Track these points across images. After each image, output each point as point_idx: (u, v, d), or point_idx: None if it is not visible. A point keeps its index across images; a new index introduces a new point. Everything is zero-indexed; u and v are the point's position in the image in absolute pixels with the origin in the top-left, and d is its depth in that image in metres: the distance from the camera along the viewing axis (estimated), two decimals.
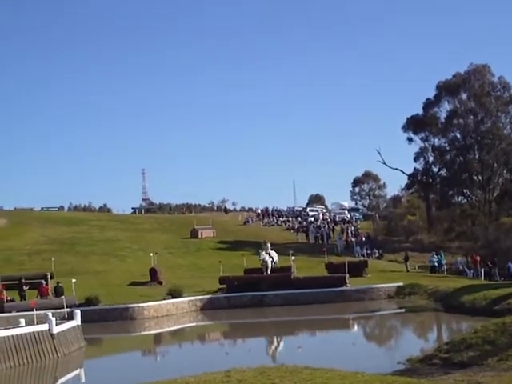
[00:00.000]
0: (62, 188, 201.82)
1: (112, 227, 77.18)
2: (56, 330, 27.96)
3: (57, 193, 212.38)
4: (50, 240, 67.47)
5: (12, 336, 26.52)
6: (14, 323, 30.33)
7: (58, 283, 42.02)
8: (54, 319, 28.38)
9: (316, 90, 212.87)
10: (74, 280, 39.56)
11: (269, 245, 48.75)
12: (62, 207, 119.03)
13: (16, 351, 26.34)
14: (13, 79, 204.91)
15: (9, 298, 40.56)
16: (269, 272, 46.59)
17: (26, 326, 28.32)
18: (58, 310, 35.50)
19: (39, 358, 26.93)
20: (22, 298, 41.55)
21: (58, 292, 40.75)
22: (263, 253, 47.14)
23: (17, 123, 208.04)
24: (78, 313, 31.22)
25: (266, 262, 46.72)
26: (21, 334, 26.85)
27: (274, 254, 48.58)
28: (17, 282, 43.23)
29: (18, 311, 36.45)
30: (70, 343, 29.06)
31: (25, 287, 42.09)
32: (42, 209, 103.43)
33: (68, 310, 35.43)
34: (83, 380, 25.14)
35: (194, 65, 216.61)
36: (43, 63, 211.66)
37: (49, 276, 44.87)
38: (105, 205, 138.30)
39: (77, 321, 30.73)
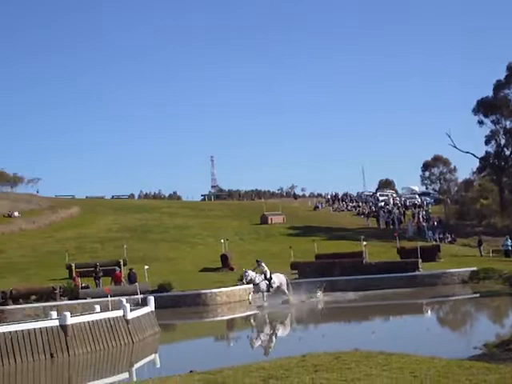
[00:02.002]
0: (131, 177, 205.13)
1: (182, 214, 77.95)
2: (130, 315, 28.28)
3: (127, 181, 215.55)
4: (121, 227, 68.60)
5: (88, 322, 26.96)
6: (89, 309, 30.85)
7: (130, 270, 42.61)
8: (128, 305, 28.71)
9: (384, 74, 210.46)
10: (146, 267, 40.05)
11: (264, 264, 39.14)
12: (132, 195, 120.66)
13: (92, 337, 26.77)
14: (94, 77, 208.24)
15: (83, 285, 41.34)
16: (263, 297, 38.33)
17: (101, 312, 28.76)
18: (132, 297, 36.01)
19: (114, 344, 27.29)
20: (97, 284, 42.31)
21: (132, 278, 41.34)
22: (250, 272, 38.26)
23: (88, 116, 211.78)
24: (151, 299, 31.53)
25: (257, 284, 38.10)
26: (96, 320, 27.26)
27: (275, 276, 38.88)
28: (91, 269, 44.06)
29: (92, 297, 37.10)
30: (144, 329, 29.36)
31: (99, 274, 42.84)
32: (113, 197, 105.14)
33: (141, 296, 35.90)
34: (158, 365, 25.36)
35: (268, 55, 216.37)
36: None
37: (122, 263, 45.61)
38: (174, 192, 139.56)
39: (150, 307, 31.01)
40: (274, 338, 30.05)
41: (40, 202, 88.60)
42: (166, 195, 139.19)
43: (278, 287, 38.16)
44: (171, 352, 28.37)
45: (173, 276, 43.54)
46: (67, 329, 25.85)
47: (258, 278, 37.75)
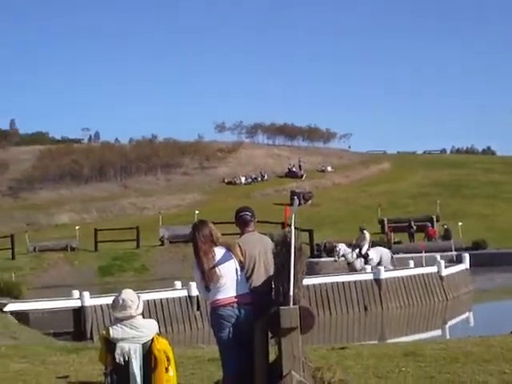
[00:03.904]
0: (442, 131, 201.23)
1: (497, 170, 74.73)
2: (445, 272, 27.65)
3: (437, 136, 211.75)
4: (432, 183, 67.60)
5: (401, 277, 26.83)
6: (402, 264, 30.65)
7: (444, 226, 41.75)
8: (442, 262, 28.14)
9: None
10: (460, 223, 38.89)
11: (367, 235, 30.00)
12: (444, 150, 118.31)
13: (405, 292, 26.62)
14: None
15: (396, 240, 41.33)
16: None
17: (414, 267, 28.46)
18: (445, 253, 35.22)
19: (428, 300, 26.90)
20: (410, 240, 42.08)
21: (446, 235, 40.50)
22: (342, 246, 29.58)
23: None
24: (466, 256, 30.55)
25: (350, 262, 29.01)
26: (410, 276, 27.04)
27: (374, 251, 29.59)
28: (403, 224, 43.87)
29: (405, 253, 36.88)
30: (458, 286, 28.59)
31: (412, 230, 42.57)
32: (425, 152, 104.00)
33: (455, 253, 34.99)
34: (472, 324, 24.50)
35: None
36: None
37: (434, 219, 44.79)
38: (488, 147, 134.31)
39: (465, 264, 30.09)
40: None
41: (351, 157, 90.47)
42: (479, 150, 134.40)
43: (379, 263, 28.79)
44: (485, 312, 27.27)
45: (487, 233, 41.87)
46: (381, 283, 25.95)
47: (352, 256, 29.19)
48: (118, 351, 5.76)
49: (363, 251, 29.00)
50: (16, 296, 26.88)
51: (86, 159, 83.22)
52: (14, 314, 22.15)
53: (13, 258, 41.87)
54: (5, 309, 22.37)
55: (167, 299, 24.12)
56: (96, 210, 71.30)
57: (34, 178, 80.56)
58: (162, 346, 5.84)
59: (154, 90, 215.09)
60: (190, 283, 24.55)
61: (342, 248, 29.31)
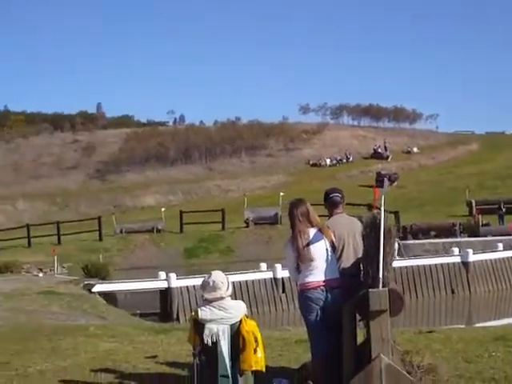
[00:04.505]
0: None
1: None
2: None
3: None
4: None
5: (490, 260, 26.31)
6: (491, 247, 29.96)
7: None
8: None
9: None
10: None
11: None
12: None
13: (494, 275, 26.09)
14: None
15: (484, 222, 40.36)
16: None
17: (503, 250, 27.81)
18: None
19: None
20: (500, 222, 41.02)
21: None
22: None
23: None
24: None
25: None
26: (499, 259, 26.48)
27: None
28: (492, 206, 42.79)
29: (493, 235, 36.01)
30: None
31: (502, 211, 41.49)
32: None
33: None
34: None
35: None
36: None
37: None
38: None
39: None
40: None
41: (438, 138, 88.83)
42: None
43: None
44: None
45: None
46: (469, 266, 25.51)
47: None
48: (206, 332, 5.78)
49: None
50: (103, 277, 27.50)
51: (171, 142, 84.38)
52: (102, 294, 22.68)
53: (100, 239, 42.80)
54: (93, 289, 22.93)
55: (253, 281, 24.31)
56: (181, 192, 72.37)
57: (121, 160, 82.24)
58: (251, 327, 5.84)
59: (238, 72, 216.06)
60: (276, 265, 24.65)
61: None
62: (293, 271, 6.45)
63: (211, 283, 5.82)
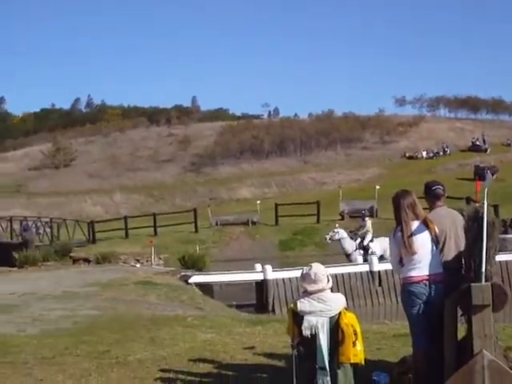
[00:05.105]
0: None
1: None
2: None
3: None
4: None
5: None
6: None
7: None
8: None
9: None
10: None
11: (368, 222, 26.47)
12: None
13: None
14: None
15: None
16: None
17: None
18: None
19: None
20: None
21: None
22: (340, 232, 26.34)
23: None
24: None
25: (348, 254, 25.91)
26: None
27: (376, 244, 25.63)
28: None
29: None
30: None
31: None
32: None
33: None
34: None
35: None
36: None
37: None
38: None
39: None
40: None
41: None
42: None
43: (382, 257, 24.91)
44: None
45: None
46: None
47: (351, 245, 25.89)
48: (305, 324, 5.79)
49: (365, 242, 25.77)
50: (200, 268, 27.83)
51: (266, 134, 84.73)
52: (198, 285, 22.97)
53: (196, 231, 43.32)
54: (189, 280, 23.25)
55: (349, 274, 24.12)
56: (276, 184, 72.59)
57: (216, 153, 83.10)
58: (350, 320, 5.81)
59: (340, 66, 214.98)
60: (372, 257, 24.42)
61: (340, 233, 26.09)
62: (395, 264, 6.39)
63: (312, 275, 5.82)
